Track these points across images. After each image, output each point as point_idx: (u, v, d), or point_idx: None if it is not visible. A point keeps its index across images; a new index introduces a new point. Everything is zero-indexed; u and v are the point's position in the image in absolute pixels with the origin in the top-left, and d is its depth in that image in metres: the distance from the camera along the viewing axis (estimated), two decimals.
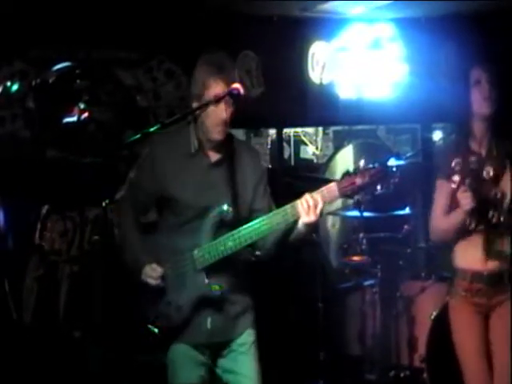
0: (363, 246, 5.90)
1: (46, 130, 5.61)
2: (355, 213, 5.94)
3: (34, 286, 5.51)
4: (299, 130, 7.35)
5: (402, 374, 5.58)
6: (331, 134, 7.48)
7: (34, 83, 5.60)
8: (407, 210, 5.93)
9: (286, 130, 7.28)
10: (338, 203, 6.91)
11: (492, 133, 4.19)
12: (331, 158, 7.18)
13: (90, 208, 5.38)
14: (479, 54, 6.42)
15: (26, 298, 5.48)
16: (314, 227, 3.72)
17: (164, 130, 3.92)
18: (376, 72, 6.71)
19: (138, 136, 3.80)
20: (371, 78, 6.70)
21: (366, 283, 5.91)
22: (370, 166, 3.61)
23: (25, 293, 5.48)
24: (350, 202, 6.32)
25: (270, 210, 3.76)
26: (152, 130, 3.82)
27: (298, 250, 5.74)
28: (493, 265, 4.09)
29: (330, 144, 7.45)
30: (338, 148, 7.22)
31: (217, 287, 3.73)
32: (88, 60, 5.70)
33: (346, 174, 3.63)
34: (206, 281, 3.72)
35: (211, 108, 3.68)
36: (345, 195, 3.66)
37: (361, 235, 5.95)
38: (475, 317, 4.14)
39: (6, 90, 5.59)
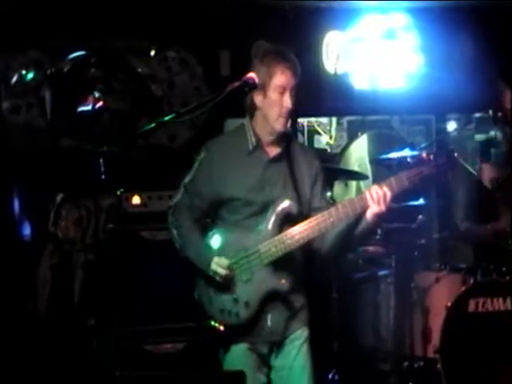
0: (377, 236, 5.88)
1: (61, 119, 5.63)
2: None
3: (49, 274, 5.52)
4: (313, 119, 7.32)
5: (415, 365, 5.56)
6: (345, 124, 7.45)
7: (48, 72, 5.61)
8: (421, 201, 5.91)
9: (299, 120, 7.26)
10: (352, 192, 6.92)
11: None
12: (345, 148, 7.16)
13: (104, 197, 5.38)
14: (494, 44, 6.41)
15: (40, 286, 5.50)
16: (381, 218, 3.71)
17: (219, 136, 4.01)
18: (390, 62, 6.68)
19: (153, 125, 3.80)
20: (385, 68, 6.68)
21: (381, 273, 5.89)
22: (437, 154, 3.63)
23: (39, 281, 5.50)
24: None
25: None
26: (167, 118, 3.83)
27: None
28: None
29: (344, 134, 7.42)
30: (352, 138, 7.20)
31: (284, 281, 3.72)
32: (103, 49, 5.71)
33: (414, 163, 3.63)
34: (274, 275, 3.70)
35: (275, 98, 3.69)
36: (413, 184, 3.66)
37: None
38: None
39: (21, 78, 5.60)
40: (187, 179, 3.87)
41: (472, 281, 5.42)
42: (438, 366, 5.31)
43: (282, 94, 3.70)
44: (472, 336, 5.28)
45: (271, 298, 3.72)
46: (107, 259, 5.16)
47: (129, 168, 5.53)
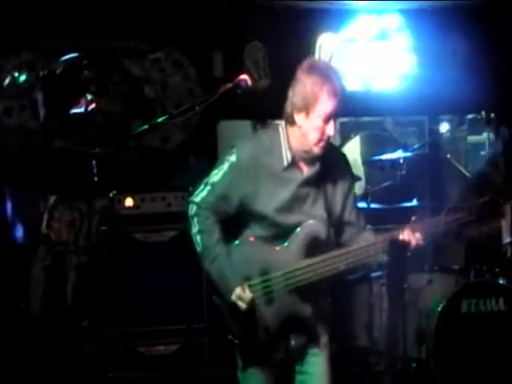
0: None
1: (54, 121, 5.62)
2: (362, 204, 5.92)
3: (42, 276, 5.52)
4: None
5: (409, 367, 5.57)
6: (338, 126, 7.46)
7: (41, 74, 5.61)
8: (414, 202, 5.92)
9: None
10: None
11: None
12: None
13: (97, 199, 5.38)
14: (487, 45, 6.42)
15: (33, 288, 5.49)
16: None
17: (253, 137, 3.79)
18: (383, 63, 6.69)
19: (146, 127, 3.79)
20: (378, 69, 6.69)
21: (374, 275, 5.90)
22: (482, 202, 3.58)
23: (32, 283, 5.50)
24: (357, 193, 6.33)
25: (360, 223, 3.67)
26: (159, 120, 3.82)
27: None
28: None
29: (337, 136, 7.43)
30: (345, 139, 7.20)
31: (307, 308, 3.57)
32: (95, 51, 5.71)
33: (452, 209, 3.60)
34: (297, 302, 3.55)
35: (318, 124, 3.44)
36: (449, 230, 3.60)
37: (368, 227, 5.93)
38: None
39: (14, 80, 5.60)
40: (215, 178, 3.56)
41: (465, 282, 5.43)
42: (431, 367, 5.33)
43: (326, 121, 3.45)
44: (465, 336, 5.29)
45: (293, 322, 3.57)
46: (100, 261, 5.16)
47: (122, 170, 5.53)
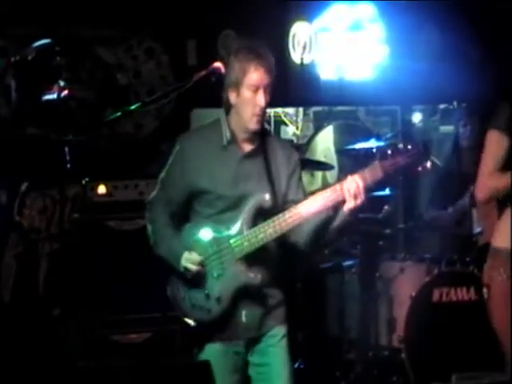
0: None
1: (26, 107, 5.57)
2: None
3: (13, 263, 5.48)
4: (279, 110, 7.33)
5: (380, 355, 5.61)
6: (311, 115, 7.46)
7: (13, 60, 5.55)
8: (387, 191, 5.94)
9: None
10: (318, 183, 6.94)
11: None
12: (311, 138, 7.18)
13: (69, 186, 5.35)
14: (459, 35, 6.46)
15: (4, 275, 5.45)
16: (357, 210, 3.62)
17: (193, 129, 3.90)
18: (357, 53, 6.70)
19: (119, 114, 3.78)
20: (352, 59, 6.70)
21: (346, 264, 5.92)
22: (412, 145, 3.59)
23: (3, 270, 5.45)
24: (330, 182, 6.35)
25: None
26: (132, 107, 3.81)
27: None
28: None
29: (311, 125, 7.43)
30: (318, 129, 7.22)
31: (258, 276, 3.64)
32: (68, 37, 5.66)
33: (388, 153, 3.58)
34: (246, 270, 3.63)
35: (248, 96, 3.62)
36: (388, 175, 3.60)
37: None
38: None
39: None
40: (163, 174, 3.80)
41: (436, 271, 5.48)
42: (403, 355, 5.37)
43: (255, 92, 3.61)
44: (436, 325, 5.33)
45: (244, 293, 3.66)
46: (72, 249, 5.14)
47: (94, 157, 5.49)
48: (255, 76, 3.61)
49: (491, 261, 4.07)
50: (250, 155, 3.72)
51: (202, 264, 3.64)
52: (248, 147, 3.73)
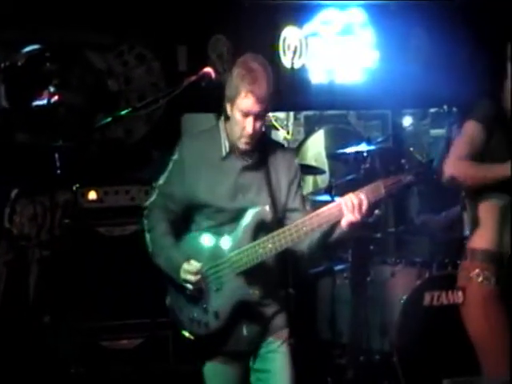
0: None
1: (16, 113, 5.57)
2: (326, 197, 5.95)
3: (3, 270, 5.47)
4: (270, 114, 7.33)
5: (372, 359, 5.61)
6: (302, 119, 7.47)
7: (3, 66, 5.54)
8: None
9: None
10: (309, 187, 6.95)
11: None
12: (302, 142, 7.19)
13: (60, 192, 5.34)
14: (448, 40, 6.47)
15: None
16: (356, 226, 3.54)
17: (194, 134, 3.85)
18: (347, 57, 6.71)
19: (109, 119, 3.77)
20: (342, 63, 6.71)
21: (337, 268, 5.93)
22: (415, 163, 3.58)
23: None
24: (321, 186, 6.35)
25: (305, 209, 3.67)
26: (123, 113, 3.80)
27: None
28: None
29: (301, 129, 7.44)
30: (308, 133, 7.23)
31: (256, 292, 3.61)
32: (58, 43, 5.66)
33: (391, 171, 3.57)
34: (245, 285, 3.58)
35: (238, 118, 3.52)
36: (390, 193, 3.55)
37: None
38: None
39: None
40: (161, 181, 3.72)
41: (427, 274, 5.48)
42: (394, 359, 5.36)
43: (245, 117, 3.52)
44: (427, 329, 5.33)
45: (243, 308, 3.60)
46: (63, 255, 5.13)
47: (85, 163, 5.49)
48: (245, 103, 3.50)
49: (467, 262, 4.08)
50: (249, 167, 3.65)
51: (201, 274, 3.58)
52: (247, 158, 3.65)
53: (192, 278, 3.56)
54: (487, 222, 4.04)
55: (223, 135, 3.65)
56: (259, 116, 3.53)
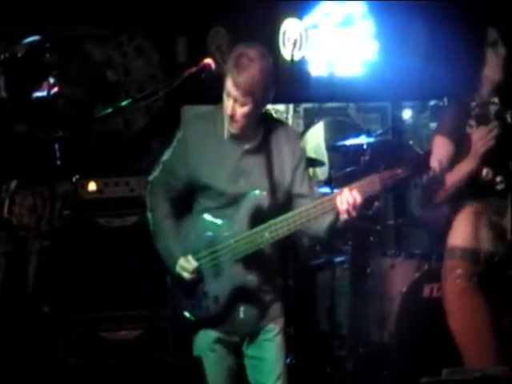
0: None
1: (16, 105, 5.56)
2: (326, 189, 5.94)
3: (2, 261, 5.47)
4: (270, 107, 7.33)
5: (371, 350, 5.62)
6: (302, 112, 7.46)
7: (2, 57, 5.53)
8: None
9: None
10: None
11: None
12: (302, 135, 7.18)
13: (59, 183, 5.34)
14: (448, 32, 6.46)
15: None
16: (354, 220, 3.58)
17: (199, 113, 3.85)
18: (347, 50, 6.71)
19: (109, 111, 3.77)
20: (342, 55, 6.71)
21: (337, 260, 5.93)
22: (411, 156, 3.58)
23: None
24: (321, 178, 6.35)
25: (313, 194, 3.67)
26: (122, 104, 3.80)
27: None
28: None
29: (301, 121, 7.43)
30: (308, 125, 7.22)
31: (253, 277, 3.65)
32: (58, 34, 5.65)
33: (390, 164, 3.56)
34: (244, 271, 3.62)
35: (224, 99, 3.57)
36: (386, 187, 3.56)
37: None
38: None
39: None
40: (165, 157, 3.74)
41: (426, 266, 5.49)
42: (393, 350, 5.37)
43: (227, 97, 3.56)
44: (426, 321, 5.34)
45: (241, 292, 3.66)
46: (62, 246, 5.13)
47: (84, 154, 5.49)
48: (226, 84, 3.55)
49: (446, 260, 4.09)
50: (250, 151, 3.66)
51: (197, 272, 3.64)
52: (250, 141, 3.66)
53: (187, 275, 3.64)
54: (462, 221, 4.07)
55: (226, 118, 3.65)
56: (240, 102, 3.53)
